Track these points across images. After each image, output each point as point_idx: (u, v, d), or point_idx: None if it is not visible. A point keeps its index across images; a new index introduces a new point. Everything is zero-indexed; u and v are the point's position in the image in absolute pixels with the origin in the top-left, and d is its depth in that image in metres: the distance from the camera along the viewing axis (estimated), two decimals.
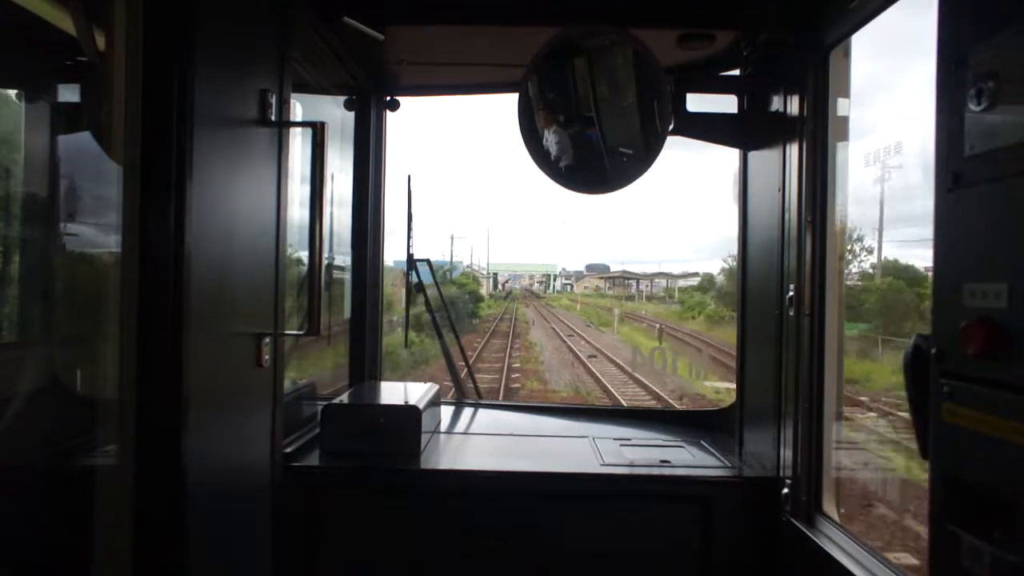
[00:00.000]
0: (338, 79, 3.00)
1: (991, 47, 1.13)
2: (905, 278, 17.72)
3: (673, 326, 27.43)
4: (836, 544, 1.94)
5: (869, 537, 5.31)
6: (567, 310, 47.47)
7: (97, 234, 1.78)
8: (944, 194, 1.22)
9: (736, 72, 2.74)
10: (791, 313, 2.21)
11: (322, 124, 2.11)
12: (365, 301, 3.22)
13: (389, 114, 3.29)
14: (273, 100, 1.96)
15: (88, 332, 1.71)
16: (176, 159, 1.51)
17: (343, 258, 3.20)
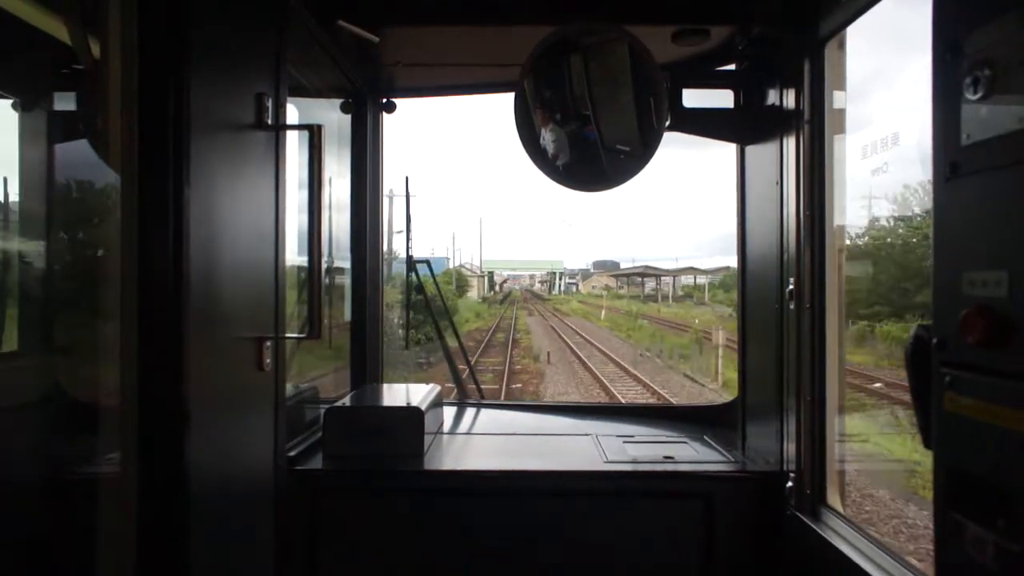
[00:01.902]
0: (334, 82, 3.00)
1: (986, 35, 1.12)
2: None
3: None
4: (841, 536, 1.94)
5: None
6: (586, 319, 32.70)
7: (96, 240, 1.78)
8: (942, 184, 1.22)
9: (732, 67, 2.73)
10: (791, 307, 2.21)
11: (319, 127, 2.11)
12: (365, 303, 3.22)
13: (385, 115, 3.29)
14: (269, 104, 1.96)
15: (89, 338, 1.72)
16: (173, 164, 1.52)
17: (342, 262, 3.20)
